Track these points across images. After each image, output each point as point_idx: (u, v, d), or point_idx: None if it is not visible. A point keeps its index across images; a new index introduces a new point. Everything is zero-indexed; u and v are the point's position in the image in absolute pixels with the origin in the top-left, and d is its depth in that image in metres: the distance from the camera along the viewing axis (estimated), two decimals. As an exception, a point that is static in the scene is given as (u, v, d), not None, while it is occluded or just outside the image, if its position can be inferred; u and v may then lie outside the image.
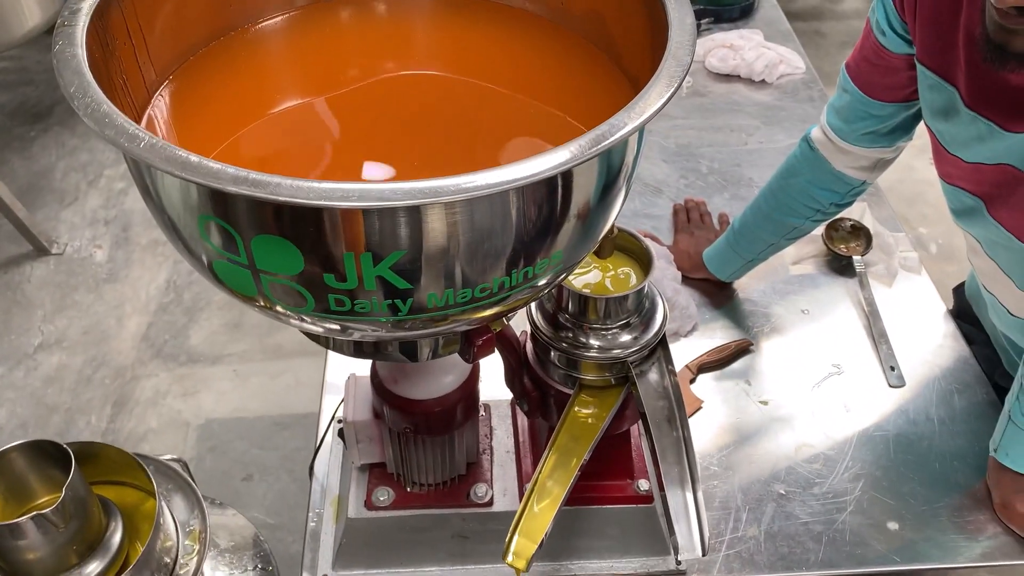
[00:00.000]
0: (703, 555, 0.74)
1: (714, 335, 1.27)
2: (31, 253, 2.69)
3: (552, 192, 0.53)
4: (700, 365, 1.21)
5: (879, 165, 1.15)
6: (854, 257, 1.36)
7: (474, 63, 0.74)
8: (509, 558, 0.76)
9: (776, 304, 1.33)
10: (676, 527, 0.76)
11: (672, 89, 0.54)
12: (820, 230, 1.40)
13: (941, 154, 1.01)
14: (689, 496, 0.78)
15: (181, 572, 0.94)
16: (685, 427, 0.79)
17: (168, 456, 1.08)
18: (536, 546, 0.76)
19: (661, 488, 0.78)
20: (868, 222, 1.42)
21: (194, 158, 0.47)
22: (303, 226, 0.50)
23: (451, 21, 0.76)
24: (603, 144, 0.49)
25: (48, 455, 0.89)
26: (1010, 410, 0.99)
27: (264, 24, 0.74)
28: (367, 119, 0.71)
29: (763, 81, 1.77)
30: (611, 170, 0.57)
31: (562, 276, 0.63)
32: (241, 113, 0.70)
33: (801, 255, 1.40)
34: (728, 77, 1.79)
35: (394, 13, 0.77)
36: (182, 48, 0.70)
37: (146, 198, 0.57)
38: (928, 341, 1.27)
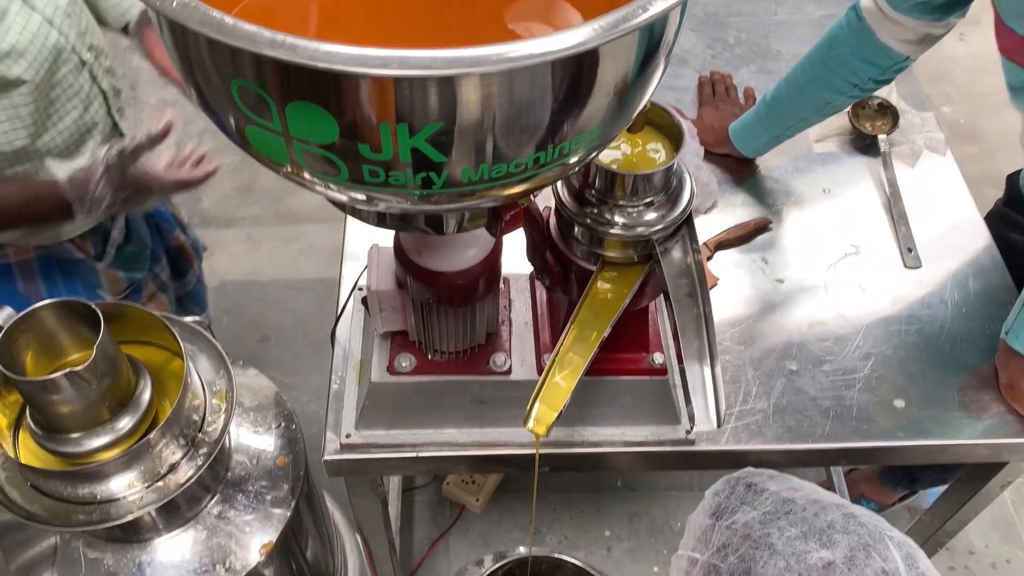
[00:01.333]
0: (718, 427, 0.77)
1: (734, 212, 1.27)
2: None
3: (594, 65, 0.52)
4: (719, 242, 1.21)
5: (926, 40, 1.10)
6: (879, 136, 1.34)
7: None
8: (530, 424, 0.78)
9: (797, 182, 1.32)
10: (693, 400, 0.78)
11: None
12: (846, 107, 1.37)
13: (1000, 27, 0.98)
14: (707, 370, 0.79)
15: (209, 430, 0.97)
16: (707, 304, 0.80)
17: (191, 318, 1.11)
18: (556, 414, 0.78)
19: (680, 362, 0.80)
20: (895, 101, 1.38)
21: (229, 20, 0.45)
22: (340, 93, 0.48)
23: None
24: (653, 11, 0.48)
25: (77, 314, 0.91)
26: None
27: None
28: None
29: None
30: (654, 42, 0.55)
31: (595, 153, 0.63)
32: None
33: (825, 133, 1.37)
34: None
35: None
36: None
37: (175, 58, 0.56)
38: (948, 224, 1.26)
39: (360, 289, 1.11)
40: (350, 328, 1.08)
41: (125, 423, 0.91)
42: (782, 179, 1.33)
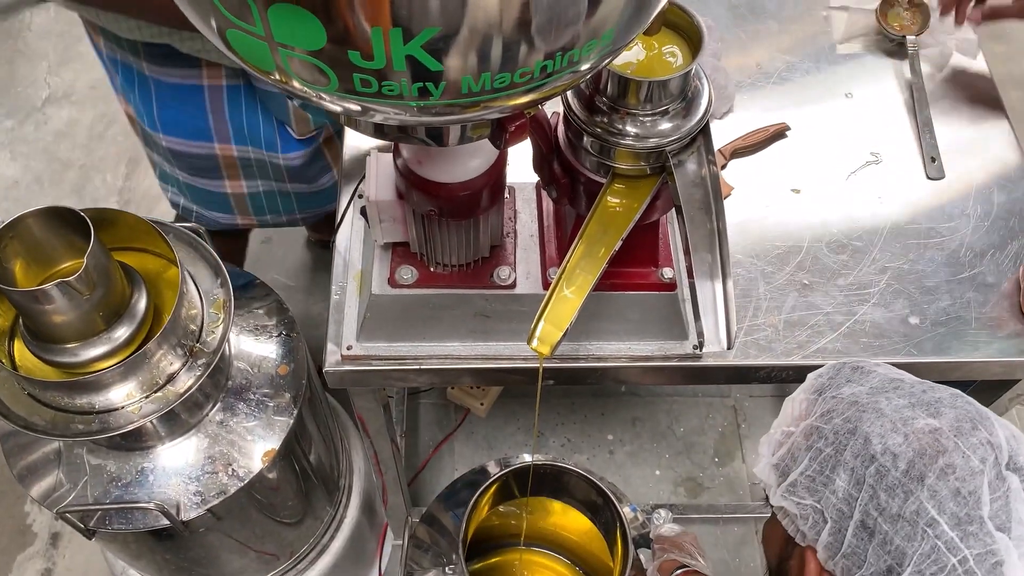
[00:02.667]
0: (728, 348, 0.74)
1: (751, 117, 1.21)
2: (28, -1, 2.55)
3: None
4: (734, 150, 1.16)
5: None
6: (907, 36, 1.26)
7: None
8: (534, 343, 0.76)
9: (818, 85, 1.26)
10: (703, 319, 0.75)
11: None
12: (875, 4, 1.29)
13: None
14: (718, 288, 0.76)
15: (208, 339, 0.96)
16: (721, 219, 0.77)
17: (186, 224, 1.07)
18: (561, 333, 0.76)
19: (691, 277, 0.77)
20: (928, -2, 1.31)
21: (199, -90, 0.40)
22: (326, -5, 0.44)
23: None
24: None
25: (66, 221, 0.87)
26: None
27: None
28: None
29: None
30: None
31: (608, 60, 0.58)
32: None
33: (850, 32, 1.30)
34: None
35: None
36: None
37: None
38: (975, 132, 1.21)
39: (360, 197, 1.07)
40: (350, 237, 1.05)
41: (121, 333, 0.89)
42: (802, 82, 1.26)
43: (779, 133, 1.19)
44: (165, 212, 2.14)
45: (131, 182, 2.19)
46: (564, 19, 0.48)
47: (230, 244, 1.60)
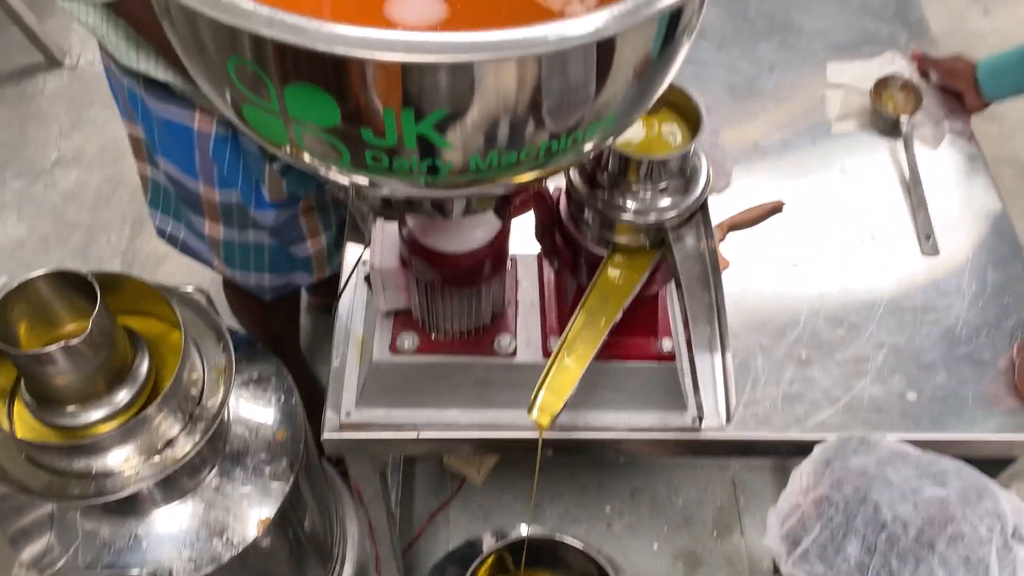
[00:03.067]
0: (727, 422, 0.75)
1: (748, 193, 1.23)
2: (43, 64, 2.61)
3: (611, 51, 0.49)
4: (732, 224, 1.18)
5: None
6: (901, 117, 1.30)
7: None
8: (534, 413, 0.76)
9: (814, 162, 1.28)
10: (702, 391, 0.75)
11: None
12: (869, 86, 1.33)
13: None
14: (717, 361, 0.77)
15: (208, 404, 0.96)
16: (719, 292, 0.78)
17: (190, 287, 1.09)
18: (562, 403, 0.76)
19: (690, 350, 0.78)
20: (919, 80, 1.34)
21: (224, -4, 0.42)
22: (341, 76, 0.46)
23: None
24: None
25: (72, 283, 0.89)
26: None
27: None
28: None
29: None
30: (678, 25, 0.52)
31: (611, 139, 0.60)
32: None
33: (846, 111, 1.33)
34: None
35: None
36: None
37: (169, 30, 0.53)
38: (968, 211, 1.23)
39: (364, 263, 1.09)
40: (352, 303, 1.06)
41: (122, 396, 0.90)
42: (798, 158, 1.29)
43: (775, 209, 1.21)
44: (168, 273, 2.16)
45: (135, 243, 2.21)
46: (570, 104, 0.50)
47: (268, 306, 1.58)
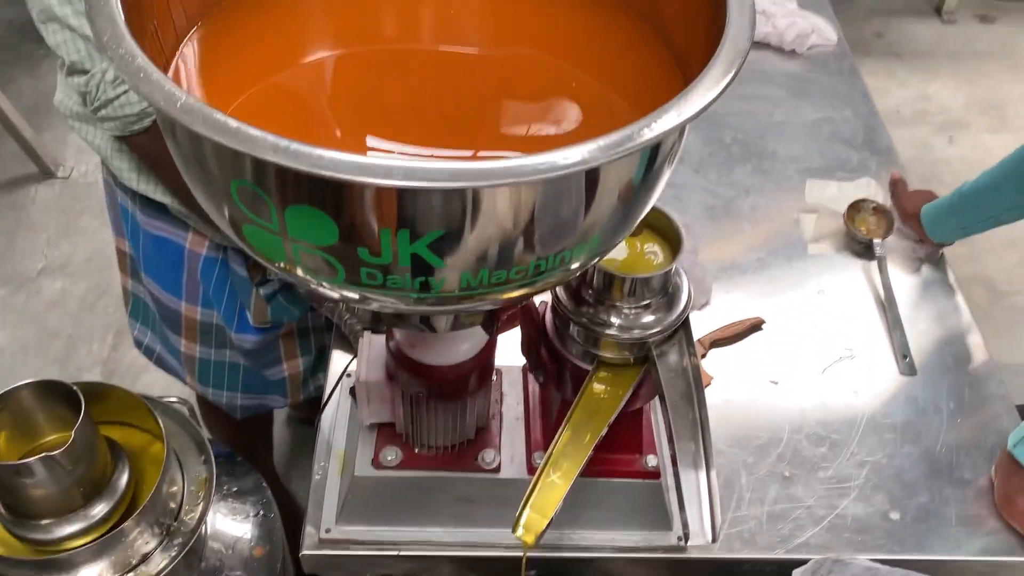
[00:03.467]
0: (713, 541, 0.74)
1: (728, 310, 1.26)
2: (36, 175, 2.66)
3: (596, 180, 0.52)
4: (713, 341, 1.20)
5: None
6: (874, 240, 1.34)
7: (514, 29, 0.72)
8: (519, 531, 0.76)
9: (792, 282, 1.32)
10: (688, 509, 0.75)
11: (729, 78, 0.52)
12: (842, 209, 1.38)
13: None
14: (702, 479, 0.77)
15: (186, 518, 0.94)
16: (703, 408, 0.79)
17: (173, 398, 1.08)
18: (547, 521, 0.76)
19: (675, 466, 0.78)
20: (891, 205, 1.40)
21: (232, 123, 0.45)
22: (341, 199, 0.48)
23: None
24: (657, 133, 0.48)
25: (56, 393, 0.88)
26: None
27: (300, -28, 0.71)
28: (399, 81, 0.69)
29: (793, 51, 1.73)
30: (659, 157, 0.55)
31: (597, 259, 0.62)
32: (267, 64, 0.68)
33: (820, 233, 1.38)
34: (757, 44, 1.75)
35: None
36: (214, -8, 0.67)
37: (175, 151, 0.55)
38: (942, 331, 1.26)
39: (348, 376, 1.09)
40: (335, 417, 1.06)
41: (99, 510, 0.88)
42: (776, 277, 1.33)
43: (755, 326, 1.24)
44: (148, 384, 2.14)
45: (117, 353, 2.20)
46: (559, 227, 0.52)
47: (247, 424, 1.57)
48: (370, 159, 0.44)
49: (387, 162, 0.44)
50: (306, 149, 0.44)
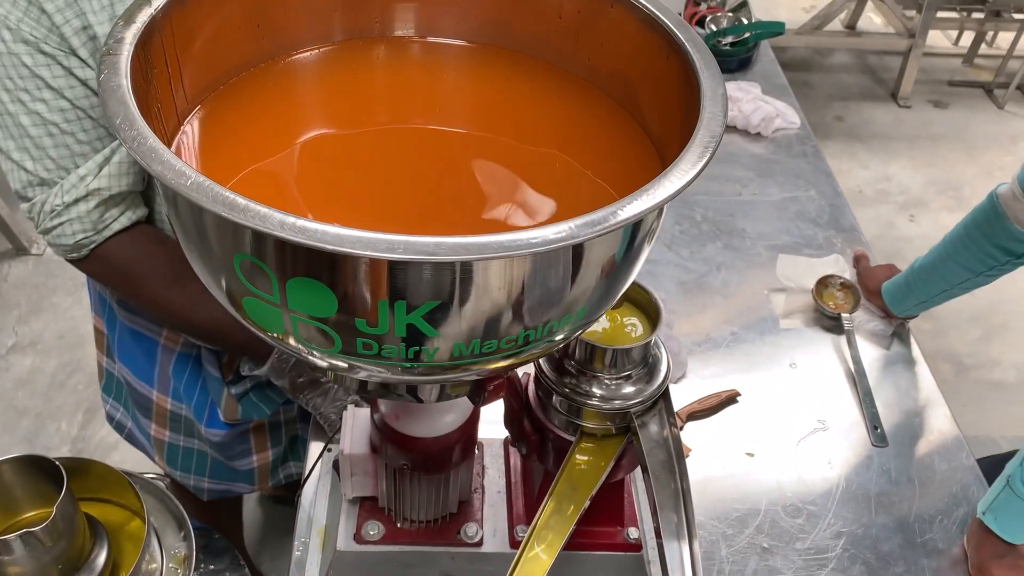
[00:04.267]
0: (697, 611, 0.75)
1: (703, 383, 1.29)
2: (9, 252, 2.65)
3: (582, 254, 0.54)
4: (690, 413, 1.22)
5: None
6: (843, 315, 1.39)
7: (500, 116, 0.76)
8: (504, 604, 0.76)
9: (765, 356, 1.35)
10: (671, 581, 0.76)
11: (704, 162, 0.55)
12: (811, 285, 1.42)
13: None
14: (685, 549, 0.78)
15: (164, 596, 0.93)
16: (684, 478, 0.80)
17: (151, 475, 1.07)
18: (531, 593, 0.76)
19: (659, 538, 0.79)
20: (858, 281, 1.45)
21: (241, 200, 0.47)
22: (343, 273, 0.50)
23: (481, 70, 0.78)
24: (640, 210, 0.51)
25: (37, 468, 0.88)
26: (1009, 475, 1.01)
27: (297, 57, 0.75)
28: (392, 164, 0.72)
29: (759, 134, 1.81)
30: (640, 234, 0.58)
31: (580, 331, 0.64)
32: (262, 145, 0.71)
33: (790, 309, 1.42)
34: (726, 127, 1.82)
35: (427, 58, 0.78)
36: (214, 76, 0.71)
37: (178, 228, 0.57)
38: (911, 402, 1.29)
39: (329, 450, 1.09)
40: (316, 491, 1.06)
41: (76, 588, 0.87)
42: (749, 351, 1.36)
43: (731, 398, 1.26)
44: (118, 463, 2.08)
45: (87, 431, 2.17)
46: (548, 299, 0.54)
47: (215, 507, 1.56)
48: (373, 234, 0.46)
49: (390, 237, 0.46)
50: (312, 225, 0.46)
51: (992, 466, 1.24)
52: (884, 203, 3.18)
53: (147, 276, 1.06)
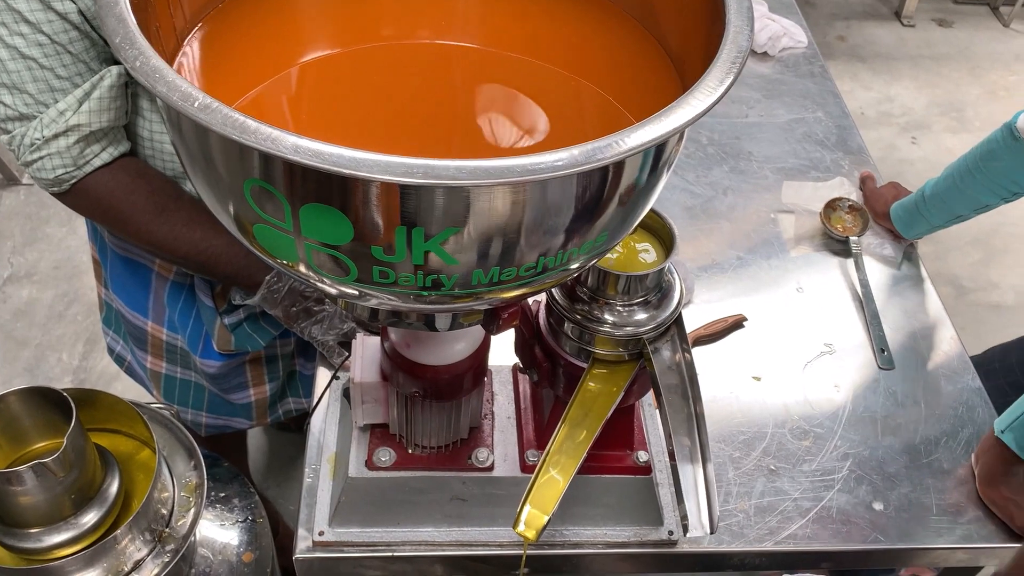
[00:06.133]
0: (711, 532, 0.75)
1: (710, 308, 1.28)
2: (0, 181, 2.61)
3: (606, 178, 0.53)
4: (696, 338, 1.22)
5: None
6: (851, 238, 1.37)
7: (511, 32, 0.73)
8: (520, 527, 0.76)
9: (771, 281, 1.34)
10: (686, 502, 0.76)
11: (732, 78, 0.53)
12: (819, 208, 1.41)
13: None
14: (699, 473, 0.78)
15: (177, 524, 0.93)
16: (698, 403, 0.80)
17: (158, 404, 1.07)
18: (547, 517, 0.76)
19: (672, 460, 0.79)
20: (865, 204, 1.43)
21: (252, 123, 0.45)
22: (358, 198, 0.48)
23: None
24: (668, 130, 0.49)
25: (46, 399, 0.87)
26: None
27: (298, -27, 0.72)
28: (400, 83, 0.69)
29: (765, 53, 1.76)
30: (665, 156, 0.56)
31: (598, 258, 0.63)
32: (266, 65, 0.68)
33: (798, 232, 1.41)
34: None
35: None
36: (212, -7, 0.67)
37: (182, 152, 0.55)
38: (918, 324, 1.29)
39: (337, 378, 1.09)
40: (325, 419, 1.05)
41: (90, 518, 0.87)
42: (755, 275, 1.35)
43: (737, 323, 1.26)
44: (120, 393, 2.10)
45: (88, 362, 2.17)
46: (570, 225, 0.53)
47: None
48: (390, 157, 0.44)
49: (408, 160, 0.44)
50: (326, 148, 0.44)
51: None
52: (886, 125, 3.14)
53: (129, 210, 1.04)
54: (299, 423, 1.90)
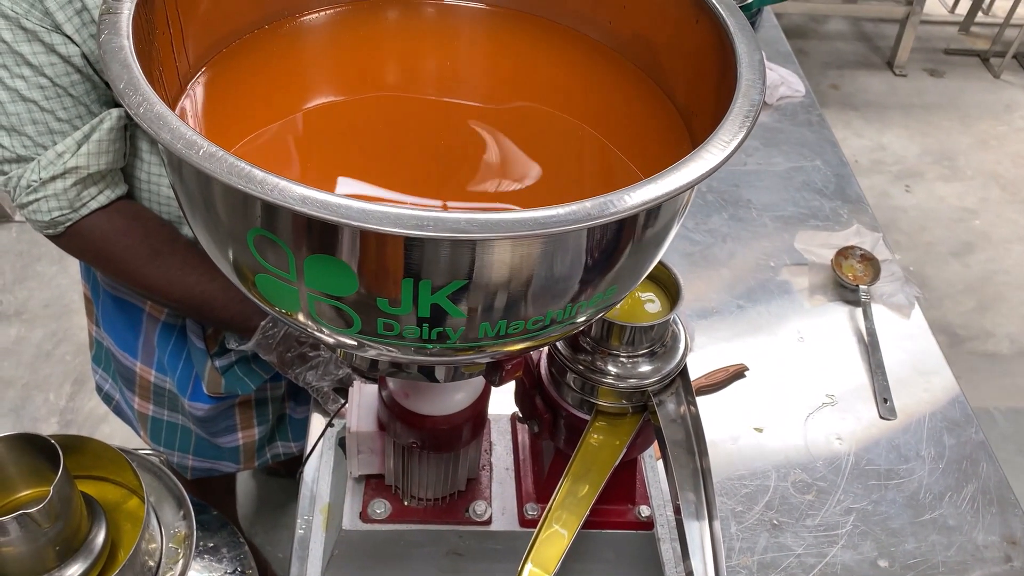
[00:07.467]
0: (717, 592, 0.73)
1: (710, 358, 1.26)
2: (-7, 219, 2.60)
3: (619, 232, 0.51)
4: (697, 388, 1.20)
5: None
6: (860, 286, 1.37)
7: (516, 82, 0.72)
8: (521, 587, 0.74)
9: (772, 328, 1.33)
10: (692, 560, 0.74)
11: (745, 132, 0.52)
12: (830, 256, 1.40)
13: None
14: (704, 529, 0.76)
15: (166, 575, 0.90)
16: (704, 457, 0.78)
17: (146, 451, 1.05)
18: (550, 575, 0.74)
19: (678, 515, 0.77)
20: (880, 253, 1.42)
21: (258, 172, 0.44)
22: (364, 249, 0.47)
23: (498, 34, 0.74)
24: (682, 184, 0.48)
25: (31, 446, 0.85)
26: None
27: (305, 18, 0.71)
28: (403, 133, 0.68)
29: (763, 102, 1.77)
30: (674, 211, 0.55)
31: (604, 311, 0.62)
32: (268, 110, 0.67)
33: (808, 280, 1.40)
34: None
35: (440, 22, 0.74)
36: (217, 37, 0.67)
37: (183, 199, 0.54)
38: (919, 375, 1.28)
39: (332, 426, 1.07)
40: (318, 468, 1.03)
41: (74, 570, 0.84)
42: (756, 324, 1.34)
43: (738, 373, 1.24)
44: (107, 435, 2.07)
45: (75, 403, 2.14)
46: (580, 278, 0.51)
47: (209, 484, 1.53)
48: (400, 209, 0.43)
49: (418, 213, 0.43)
50: (335, 200, 0.43)
51: None
52: (879, 173, 3.16)
53: (123, 253, 1.03)
54: (288, 467, 1.87)
